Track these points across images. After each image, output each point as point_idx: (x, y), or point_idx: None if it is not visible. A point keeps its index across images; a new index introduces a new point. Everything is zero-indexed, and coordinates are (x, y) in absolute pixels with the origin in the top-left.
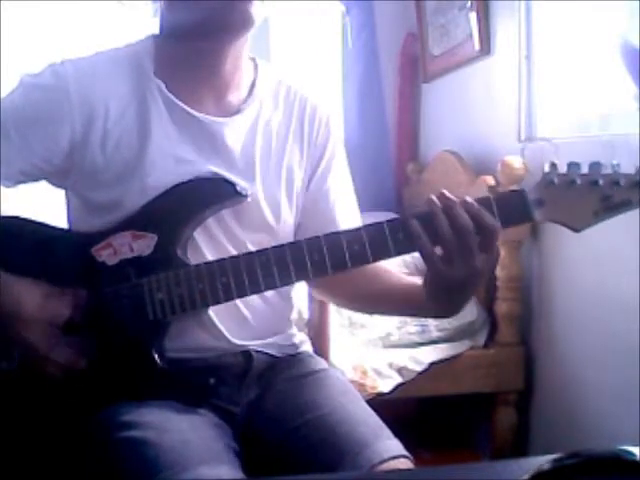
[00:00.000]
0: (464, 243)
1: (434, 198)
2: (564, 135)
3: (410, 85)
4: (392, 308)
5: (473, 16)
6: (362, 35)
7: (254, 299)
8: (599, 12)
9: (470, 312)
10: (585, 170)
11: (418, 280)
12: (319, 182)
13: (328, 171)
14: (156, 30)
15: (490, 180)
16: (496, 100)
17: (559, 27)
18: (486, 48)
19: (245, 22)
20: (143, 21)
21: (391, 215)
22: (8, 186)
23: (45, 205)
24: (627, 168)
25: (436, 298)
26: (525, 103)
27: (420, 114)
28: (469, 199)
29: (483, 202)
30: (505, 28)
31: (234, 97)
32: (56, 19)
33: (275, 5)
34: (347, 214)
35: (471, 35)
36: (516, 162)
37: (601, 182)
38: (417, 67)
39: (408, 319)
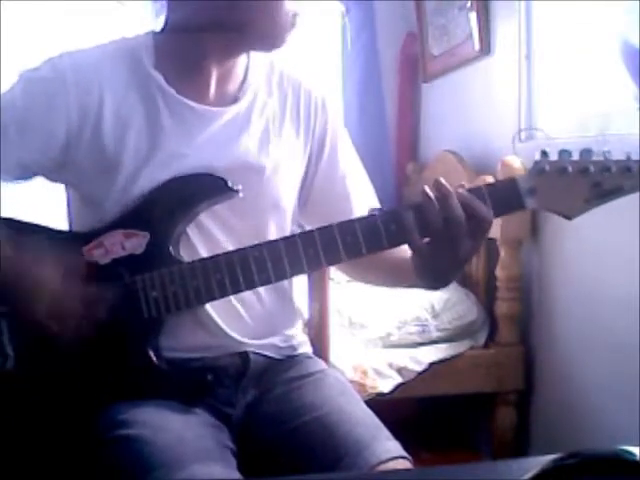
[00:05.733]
0: (453, 235)
1: (427, 190)
2: (564, 135)
3: (410, 85)
4: (385, 281)
5: (473, 16)
6: (362, 35)
7: (251, 298)
8: (599, 12)
9: (470, 312)
10: (576, 157)
11: (407, 254)
12: (328, 165)
13: (335, 152)
14: (156, 29)
15: (490, 180)
16: (496, 100)
17: (559, 27)
18: (486, 48)
19: (282, 45)
20: (143, 21)
21: None
22: (7, 180)
23: (44, 205)
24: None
25: (422, 277)
26: (525, 103)
27: (420, 114)
28: (462, 190)
29: (475, 192)
30: (505, 28)
31: (231, 86)
32: (56, 19)
33: None
34: (361, 192)
35: (471, 35)
36: (515, 162)
37: (592, 169)
38: (417, 67)
39: (408, 319)
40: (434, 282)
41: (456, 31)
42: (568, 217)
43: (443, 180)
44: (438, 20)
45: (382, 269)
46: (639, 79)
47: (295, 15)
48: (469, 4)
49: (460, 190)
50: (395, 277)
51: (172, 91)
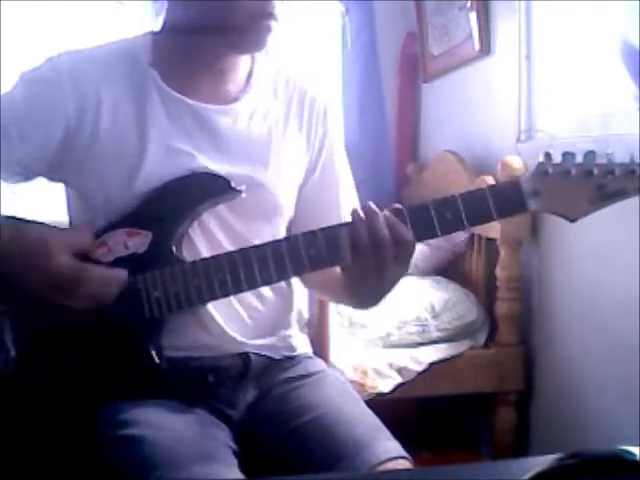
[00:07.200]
0: (379, 256)
1: (358, 209)
2: (564, 135)
3: (410, 85)
4: (322, 295)
5: (473, 16)
6: (362, 35)
7: (251, 298)
8: (599, 12)
9: (470, 312)
10: (580, 160)
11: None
12: (322, 173)
13: (330, 162)
14: (156, 29)
15: (490, 180)
16: (496, 100)
17: (559, 27)
18: (486, 48)
19: (259, 48)
20: (143, 21)
21: None
22: (8, 181)
23: (44, 205)
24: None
25: (351, 296)
26: (525, 103)
27: (420, 114)
28: (388, 213)
29: (478, 194)
30: (505, 28)
31: (231, 87)
32: (56, 20)
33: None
34: (349, 203)
35: (471, 35)
36: (516, 162)
37: (595, 171)
38: (417, 67)
39: (408, 319)
40: (362, 302)
41: (456, 31)
42: (571, 219)
43: (372, 204)
44: (438, 20)
45: (319, 283)
46: (639, 79)
47: (268, 16)
48: (469, 4)
49: (386, 213)
50: (327, 293)
51: (167, 88)
